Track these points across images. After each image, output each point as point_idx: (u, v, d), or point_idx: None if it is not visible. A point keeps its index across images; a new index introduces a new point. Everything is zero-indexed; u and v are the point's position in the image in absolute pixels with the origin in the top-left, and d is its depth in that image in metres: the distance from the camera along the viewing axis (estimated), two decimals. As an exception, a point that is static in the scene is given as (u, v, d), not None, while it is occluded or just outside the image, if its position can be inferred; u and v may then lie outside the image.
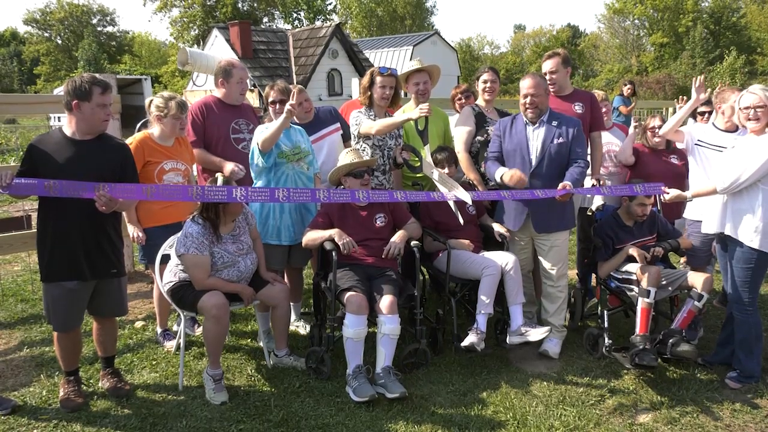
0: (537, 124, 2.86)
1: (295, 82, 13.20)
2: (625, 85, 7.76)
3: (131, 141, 2.81)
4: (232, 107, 3.15)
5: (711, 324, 3.30)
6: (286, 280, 3.07)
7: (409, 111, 3.25)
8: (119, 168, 2.40)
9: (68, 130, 2.33)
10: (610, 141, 3.56)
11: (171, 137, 2.89)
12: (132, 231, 2.82)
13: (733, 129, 2.91)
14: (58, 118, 10.37)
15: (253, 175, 2.90)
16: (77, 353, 2.54)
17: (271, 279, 2.75)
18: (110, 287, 2.47)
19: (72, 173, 2.25)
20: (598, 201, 3.35)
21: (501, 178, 2.82)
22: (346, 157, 2.83)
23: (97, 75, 2.37)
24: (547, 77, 3.15)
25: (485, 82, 3.27)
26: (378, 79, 2.98)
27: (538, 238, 2.95)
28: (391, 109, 3.16)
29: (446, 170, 3.01)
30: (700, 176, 2.94)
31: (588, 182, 3.27)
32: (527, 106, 2.84)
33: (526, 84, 2.84)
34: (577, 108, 3.17)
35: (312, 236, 2.76)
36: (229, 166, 2.95)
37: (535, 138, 2.86)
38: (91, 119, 2.30)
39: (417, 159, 2.99)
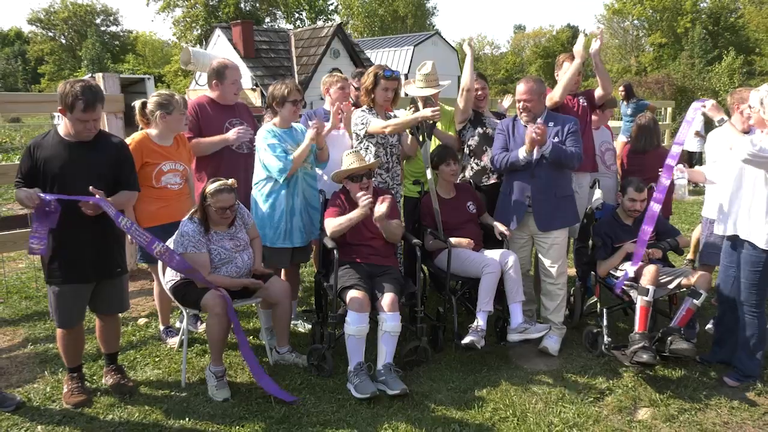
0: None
1: (297, 81, 13.20)
2: (627, 88, 7.43)
3: (129, 141, 2.81)
4: (225, 107, 3.16)
5: (708, 316, 3.31)
6: (283, 277, 3.08)
7: (408, 113, 3.27)
8: (116, 165, 2.41)
9: (62, 131, 2.35)
10: (605, 140, 3.60)
11: (173, 135, 2.89)
12: None
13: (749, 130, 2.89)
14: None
15: (262, 181, 2.89)
16: (80, 350, 2.57)
17: (261, 272, 2.74)
18: (111, 285, 2.48)
19: (70, 174, 2.27)
20: (597, 200, 3.38)
21: (525, 152, 2.84)
22: (346, 160, 2.84)
23: (92, 83, 2.32)
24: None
25: (476, 90, 3.30)
26: (382, 82, 2.99)
27: (538, 236, 2.97)
28: (389, 109, 3.17)
29: (451, 167, 3.08)
30: (717, 187, 2.90)
31: (590, 186, 3.32)
32: (521, 110, 2.93)
33: (519, 89, 2.93)
34: (582, 101, 3.29)
35: (338, 222, 2.72)
36: (232, 133, 2.98)
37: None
38: (72, 128, 2.31)
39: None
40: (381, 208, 2.68)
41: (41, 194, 2.22)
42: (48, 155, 2.29)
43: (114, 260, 2.45)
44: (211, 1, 31.23)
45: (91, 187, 2.27)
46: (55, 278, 2.36)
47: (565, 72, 3.24)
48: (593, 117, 3.56)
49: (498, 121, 3.25)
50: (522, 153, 2.86)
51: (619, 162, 3.68)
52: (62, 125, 2.36)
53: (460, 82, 3.35)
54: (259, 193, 2.94)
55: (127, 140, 2.84)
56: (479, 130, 3.26)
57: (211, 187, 2.56)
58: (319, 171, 3.17)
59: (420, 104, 3.17)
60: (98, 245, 2.37)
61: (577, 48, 3.09)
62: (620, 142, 4.04)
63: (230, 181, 2.61)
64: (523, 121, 2.95)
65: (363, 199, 2.66)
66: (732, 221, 2.58)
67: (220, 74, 3.09)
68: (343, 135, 3.25)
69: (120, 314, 2.68)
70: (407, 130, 3.04)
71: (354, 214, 2.70)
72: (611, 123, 3.98)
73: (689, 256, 4.29)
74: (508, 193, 3.01)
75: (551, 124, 2.90)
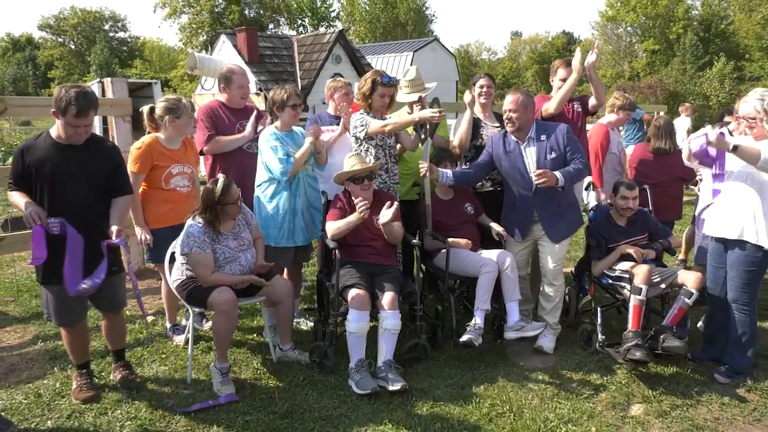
0: (526, 142, 2.94)
1: (299, 86, 13.35)
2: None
3: (140, 144, 2.87)
4: (236, 110, 3.28)
5: (699, 315, 3.34)
6: (285, 276, 3.15)
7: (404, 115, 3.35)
8: (110, 170, 2.45)
9: (54, 133, 2.37)
10: (618, 141, 3.72)
11: (182, 138, 2.96)
12: (140, 233, 2.89)
13: None
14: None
15: (265, 182, 2.97)
16: (85, 347, 2.62)
17: (263, 268, 2.79)
18: (108, 284, 2.48)
19: (62, 175, 2.31)
20: (592, 201, 3.46)
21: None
22: (348, 162, 2.92)
23: (88, 90, 2.32)
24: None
25: (481, 87, 3.36)
26: (379, 88, 3.06)
27: (541, 240, 3.01)
28: (386, 113, 3.23)
29: (447, 169, 3.13)
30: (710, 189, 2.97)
31: (584, 187, 3.39)
32: (506, 121, 2.94)
33: (506, 100, 2.94)
34: (577, 107, 3.37)
35: (338, 225, 2.80)
36: (248, 130, 3.16)
37: (529, 156, 2.93)
38: (63, 131, 2.32)
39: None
40: (387, 213, 2.73)
41: (50, 221, 2.22)
42: (40, 157, 2.30)
43: (108, 260, 2.46)
44: (216, 8, 31.65)
45: (112, 229, 2.33)
46: (49, 279, 2.39)
47: (560, 78, 3.33)
48: (612, 119, 3.62)
49: (495, 129, 3.31)
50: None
51: (631, 167, 3.69)
52: (55, 127, 2.36)
53: (458, 86, 3.40)
54: (262, 194, 3.02)
55: (137, 143, 2.92)
56: (474, 142, 3.33)
57: (218, 188, 2.60)
58: (324, 174, 3.26)
59: (416, 108, 3.26)
60: (92, 245, 2.36)
61: (575, 63, 3.16)
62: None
63: (221, 176, 2.67)
64: (510, 132, 2.94)
65: (360, 205, 2.72)
66: (734, 225, 2.56)
67: (228, 79, 3.22)
68: (346, 137, 3.32)
69: (125, 312, 2.73)
70: (410, 128, 3.09)
71: (352, 218, 2.77)
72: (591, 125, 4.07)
73: (681, 256, 4.36)
74: (512, 205, 3.03)
75: (543, 137, 2.90)
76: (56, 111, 2.28)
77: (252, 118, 3.21)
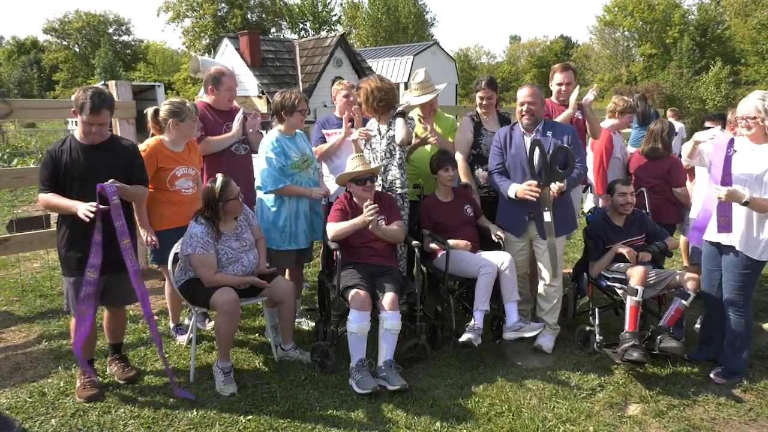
0: (533, 134, 2.97)
1: (301, 89, 13.41)
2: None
3: (144, 147, 2.90)
4: (222, 111, 3.30)
5: (695, 316, 3.38)
6: (287, 276, 3.19)
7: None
8: (128, 166, 2.56)
9: (78, 135, 2.50)
10: (622, 145, 3.77)
11: (185, 140, 3.00)
12: (144, 235, 2.93)
13: None
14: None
15: (264, 186, 3.01)
16: (93, 341, 2.67)
17: (265, 272, 2.83)
18: (121, 279, 2.58)
19: (87, 176, 2.42)
20: (589, 203, 3.50)
21: (515, 195, 2.89)
22: (350, 164, 2.96)
23: (104, 91, 2.46)
24: (563, 88, 3.33)
25: (481, 98, 3.35)
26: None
27: (537, 240, 3.05)
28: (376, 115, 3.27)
29: (449, 173, 3.15)
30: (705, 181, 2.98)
31: (582, 193, 3.42)
32: (523, 113, 2.95)
33: (523, 93, 2.96)
34: (578, 114, 3.40)
35: (341, 227, 2.83)
36: (234, 128, 3.18)
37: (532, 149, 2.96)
38: (80, 129, 2.47)
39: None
40: (369, 216, 2.76)
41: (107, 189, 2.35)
42: (69, 160, 2.44)
43: (121, 254, 2.53)
44: (219, 12, 31.90)
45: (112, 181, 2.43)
46: (71, 270, 2.51)
47: (557, 83, 3.39)
48: (614, 122, 3.66)
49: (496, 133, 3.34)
50: (511, 193, 2.89)
51: (632, 171, 3.70)
52: (77, 129, 2.51)
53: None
54: (265, 197, 3.06)
55: (141, 146, 2.95)
56: (472, 151, 3.37)
57: (218, 185, 2.64)
58: (327, 176, 3.28)
59: (419, 112, 3.30)
60: (111, 240, 2.45)
61: (571, 100, 3.25)
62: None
63: (220, 175, 2.71)
64: (523, 125, 2.96)
65: (369, 209, 2.75)
66: (742, 236, 2.55)
67: (217, 80, 3.24)
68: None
69: (129, 311, 2.78)
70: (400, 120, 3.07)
71: (357, 221, 2.80)
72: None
73: (685, 262, 4.33)
74: (509, 203, 3.04)
75: (549, 133, 2.94)
76: (75, 110, 2.44)
77: (239, 117, 3.22)
